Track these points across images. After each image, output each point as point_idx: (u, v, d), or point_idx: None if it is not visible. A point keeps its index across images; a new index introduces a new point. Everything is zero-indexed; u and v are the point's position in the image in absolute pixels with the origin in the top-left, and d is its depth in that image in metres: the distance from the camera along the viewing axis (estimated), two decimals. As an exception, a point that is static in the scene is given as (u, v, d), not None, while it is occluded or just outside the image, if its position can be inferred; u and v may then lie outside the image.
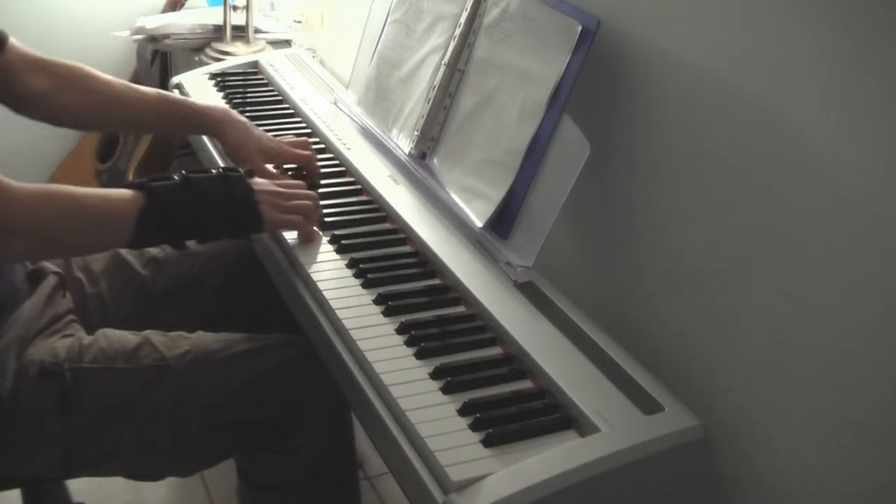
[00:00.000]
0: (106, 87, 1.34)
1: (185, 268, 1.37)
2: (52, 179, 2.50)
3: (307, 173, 1.40)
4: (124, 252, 1.36)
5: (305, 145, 1.42)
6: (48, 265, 1.25)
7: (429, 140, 1.39)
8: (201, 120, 1.37)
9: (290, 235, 1.24)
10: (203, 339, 1.21)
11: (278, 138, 1.42)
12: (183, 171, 1.14)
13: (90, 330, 1.22)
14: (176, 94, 1.72)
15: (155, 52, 2.46)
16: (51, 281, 1.23)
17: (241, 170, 1.20)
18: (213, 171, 1.17)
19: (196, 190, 1.12)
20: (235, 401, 1.16)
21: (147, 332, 1.20)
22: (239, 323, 1.29)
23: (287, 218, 1.20)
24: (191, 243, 1.17)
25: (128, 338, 1.19)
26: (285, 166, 1.42)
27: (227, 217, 1.15)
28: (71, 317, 1.25)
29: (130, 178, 2.43)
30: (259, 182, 1.19)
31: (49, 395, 1.11)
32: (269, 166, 1.38)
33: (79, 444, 1.13)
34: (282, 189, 1.21)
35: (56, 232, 1.05)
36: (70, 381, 1.12)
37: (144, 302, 1.34)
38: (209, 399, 1.15)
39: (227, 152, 1.38)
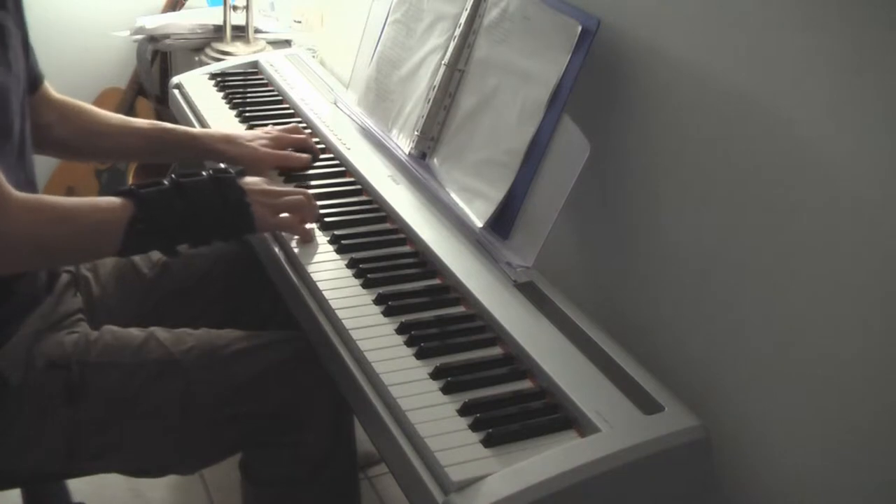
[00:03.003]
0: (105, 120, 1.38)
1: (190, 270, 1.38)
2: (53, 179, 2.50)
3: (308, 152, 1.47)
4: None
5: (297, 130, 1.50)
6: None
7: (429, 140, 1.39)
8: (193, 143, 1.40)
9: (290, 236, 1.25)
10: (207, 335, 1.22)
11: (266, 128, 1.49)
12: (173, 175, 1.14)
13: (96, 329, 1.23)
14: (177, 93, 1.73)
15: (155, 52, 2.46)
16: (64, 279, 1.25)
17: (232, 170, 1.20)
18: (205, 172, 1.17)
19: (187, 195, 1.12)
20: (239, 396, 1.17)
21: (152, 329, 1.21)
22: (244, 324, 1.30)
23: (280, 219, 1.21)
24: (181, 247, 1.17)
25: (133, 334, 1.20)
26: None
27: (219, 220, 1.15)
28: (79, 315, 1.26)
29: (130, 178, 2.43)
30: (250, 182, 1.20)
31: (55, 388, 1.13)
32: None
33: (83, 437, 1.14)
34: (273, 188, 1.22)
35: (46, 241, 1.06)
36: (76, 375, 1.13)
37: (150, 304, 1.35)
38: (213, 394, 1.16)
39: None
